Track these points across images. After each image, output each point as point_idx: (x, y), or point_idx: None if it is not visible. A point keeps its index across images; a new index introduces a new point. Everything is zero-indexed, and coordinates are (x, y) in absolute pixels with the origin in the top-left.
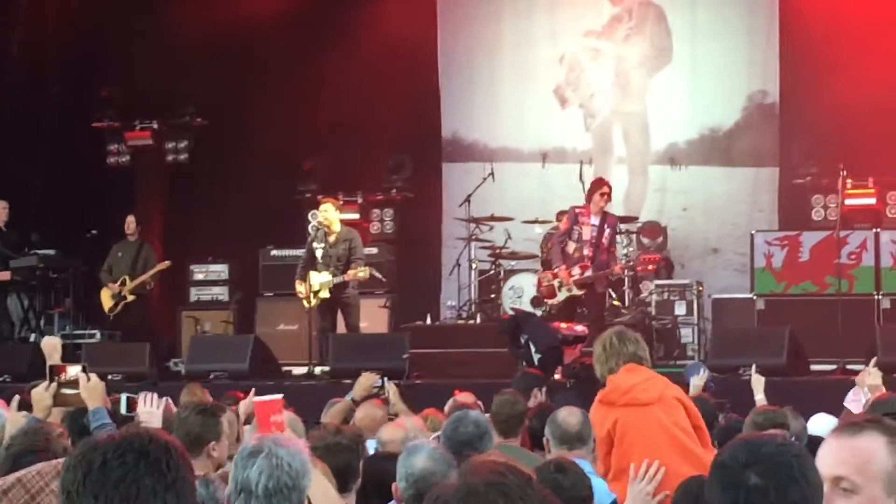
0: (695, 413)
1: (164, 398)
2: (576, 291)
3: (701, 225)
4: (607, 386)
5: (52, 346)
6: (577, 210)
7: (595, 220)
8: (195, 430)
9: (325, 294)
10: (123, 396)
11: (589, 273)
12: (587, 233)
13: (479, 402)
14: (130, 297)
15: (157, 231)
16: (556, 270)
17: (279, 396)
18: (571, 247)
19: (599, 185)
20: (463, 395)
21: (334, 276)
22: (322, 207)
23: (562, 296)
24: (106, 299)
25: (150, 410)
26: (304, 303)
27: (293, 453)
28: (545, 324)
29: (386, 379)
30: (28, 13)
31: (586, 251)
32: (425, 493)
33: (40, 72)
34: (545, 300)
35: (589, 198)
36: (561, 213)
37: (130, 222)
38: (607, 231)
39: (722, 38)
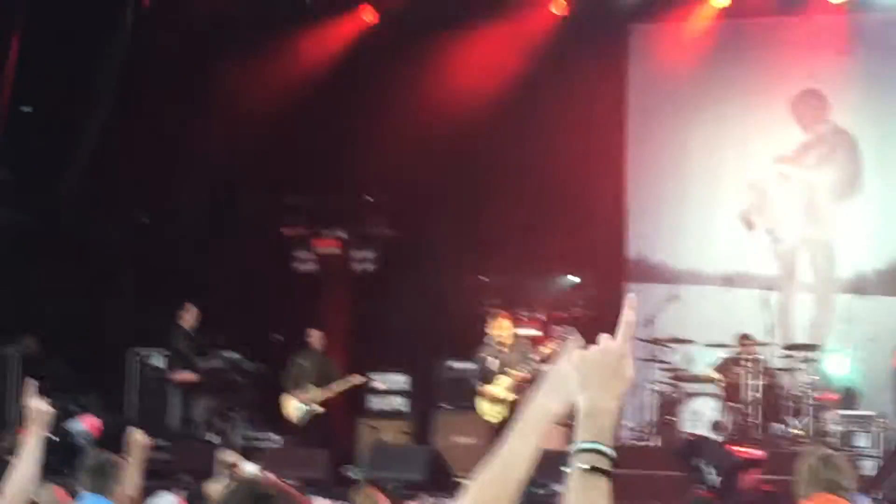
0: None
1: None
2: None
3: (886, 356)
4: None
5: (137, 442)
6: None
7: None
8: None
9: (512, 396)
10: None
11: None
12: None
13: None
14: (320, 410)
15: (340, 339)
16: None
17: None
18: None
19: None
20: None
21: None
22: (499, 323)
23: None
24: (290, 409)
25: None
26: (490, 415)
27: None
28: (723, 448)
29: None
30: (224, 114)
31: None
32: None
33: (232, 174)
34: None
35: None
36: (744, 338)
37: (318, 336)
38: None
39: None
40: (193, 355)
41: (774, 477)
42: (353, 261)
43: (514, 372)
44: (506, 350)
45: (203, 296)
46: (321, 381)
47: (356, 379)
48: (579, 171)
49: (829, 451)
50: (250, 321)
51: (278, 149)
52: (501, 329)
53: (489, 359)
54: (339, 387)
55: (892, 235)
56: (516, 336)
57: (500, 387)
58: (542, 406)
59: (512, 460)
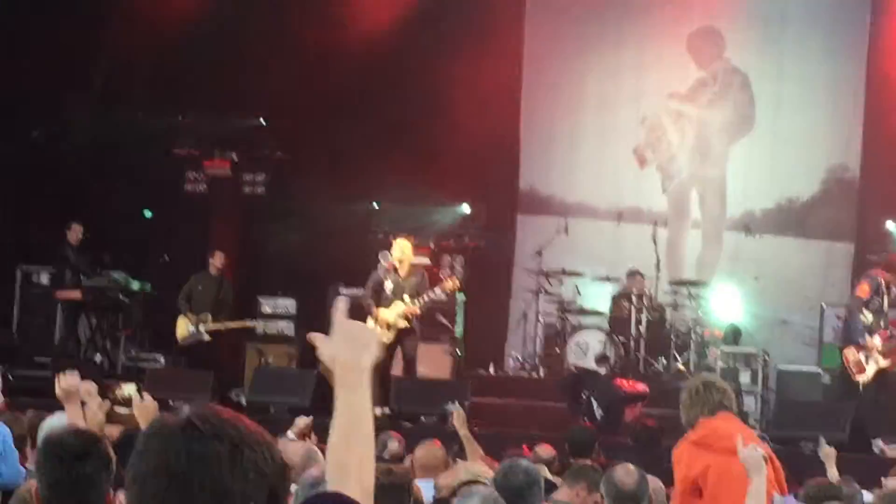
0: (780, 471)
1: None
2: (883, 363)
3: (772, 295)
4: (700, 429)
5: (76, 383)
6: (881, 278)
7: None
8: None
9: (403, 324)
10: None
11: None
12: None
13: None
14: (206, 338)
15: (231, 261)
16: (862, 343)
17: None
18: (869, 317)
19: None
20: (543, 448)
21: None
22: (400, 243)
23: (870, 369)
24: (182, 328)
25: None
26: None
27: None
28: (608, 381)
29: (455, 402)
30: (114, 35)
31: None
32: None
33: (124, 95)
34: (856, 376)
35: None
36: (634, 274)
37: (221, 257)
38: None
39: (806, 110)
40: (79, 273)
41: (657, 410)
42: (244, 183)
43: (407, 301)
44: (401, 275)
45: (90, 214)
46: (217, 307)
47: (249, 323)
48: (475, 100)
49: (711, 376)
50: (138, 241)
51: (172, 67)
52: (402, 251)
53: (386, 282)
54: (230, 325)
55: (781, 176)
56: (413, 265)
57: (393, 312)
58: (355, 362)
59: (359, 417)
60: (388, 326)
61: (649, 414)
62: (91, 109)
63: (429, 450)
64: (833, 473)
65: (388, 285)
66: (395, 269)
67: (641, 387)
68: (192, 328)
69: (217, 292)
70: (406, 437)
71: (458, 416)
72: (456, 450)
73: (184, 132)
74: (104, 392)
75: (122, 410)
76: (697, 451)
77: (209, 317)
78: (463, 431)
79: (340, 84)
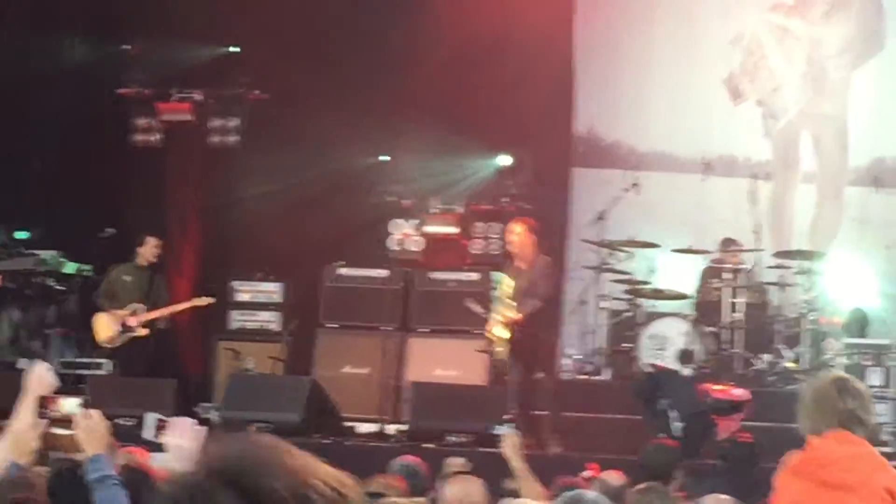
0: None
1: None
2: None
3: None
4: (805, 450)
5: (39, 379)
6: None
7: None
8: None
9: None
10: (151, 416)
11: None
12: None
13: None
14: (142, 332)
15: (192, 233)
16: None
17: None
18: None
19: None
20: (611, 474)
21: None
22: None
23: None
24: (104, 327)
25: (181, 443)
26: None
27: None
28: (692, 385)
29: (506, 424)
30: None
31: None
32: None
33: (52, 19)
34: None
35: None
36: (727, 244)
37: (156, 245)
38: None
39: None
40: None
41: (760, 423)
42: (211, 131)
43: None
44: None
45: (8, 172)
46: (147, 303)
47: (201, 300)
48: (513, 16)
49: (846, 375)
50: (72, 210)
51: None
52: (518, 235)
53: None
54: (174, 308)
55: None
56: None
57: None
58: None
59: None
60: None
61: (746, 427)
62: (7, 37)
63: (464, 487)
64: None
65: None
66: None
67: (739, 392)
68: (117, 326)
69: (147, 288)
70: (428, 463)
71: (509, 441)
72: (501, 486)
73: (132, 65)
74: (40, 409)
75: (60, 432)
76: (790, 479)
77: (141, 307)
78: (516, 462)
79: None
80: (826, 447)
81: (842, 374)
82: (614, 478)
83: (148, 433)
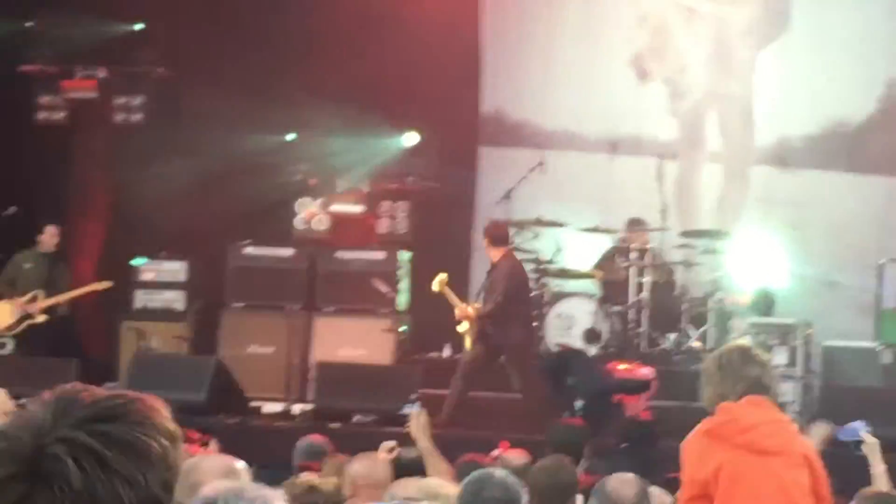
0: (823, 479)
1: None
2: None
3: (815, 248)
4: (719, 415)
5: None
6: None
7: None
8: None
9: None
10: None
11: None
12: None
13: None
14: (41, 318)
15: (97, 212)
16: None
17: None
18: None
19: None
20: (513, 453)
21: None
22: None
23: None
24: (3, 314)
25: None
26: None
27: None
28: (597, 365)
29: (416, 403)
30: None
31: None
32: None
33: None
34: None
35: None
36: (634, 223)
37: (54, 234)
38: None
39: (858, 2)
40: None
41: (667, 402)
42: (116, 109)
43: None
44: None
45: None
46: (47, 289)
47: (98, 285)
48: (420, 9)
49: (750, 344)
50: None
51: None
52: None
53: None
54: (73, 294)
55: (826, 92)
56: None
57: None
58: None
59: None
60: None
61: (653, 407)
62: None
63: (370, 464)
64: (880, 471)
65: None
66: None
67: (644, 371)
68: (18, 311)
69: (48, 275)
70: (334, 443)
71: (416, 420)
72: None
73: (34, 42)
74: None
75: None
76: (710, 443)
77: (41, 293)
78: (423, 442)
79: None
80: (743, 411)
81: (745, 343)
82: (516, 456)
83: None
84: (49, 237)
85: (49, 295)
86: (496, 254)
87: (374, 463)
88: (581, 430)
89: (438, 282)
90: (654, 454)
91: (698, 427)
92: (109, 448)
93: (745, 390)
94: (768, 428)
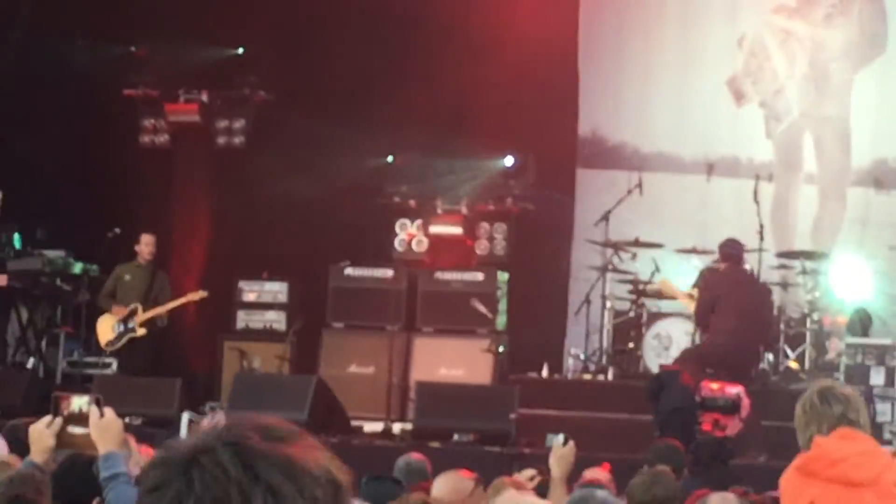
0: None
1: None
2: None
3: None
4: (811, 450)
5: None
6: None
7: None
8: None
9: None
10: (185, 416)
11: None
12: None
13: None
14: (141, 332)
15: (201, 234)
16: None
17: None
18: None
19: None
20: (594, 472)
21: None
22: None
23: None
24: (105, 329)
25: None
26: None
27: None
28: (689, 385)
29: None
30: None
31: None
32: None
33: (59, 22)
34: None
35: None
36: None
37: (149, 243)
38: None
39: None
40: (2, 253)
41: (765, 422)
42: (217, 132)
43: None
44: None
45: (16, 174)
46: (147, 302)
47: (195, 295)
48: (519, 18)
49: (830, 383)
50: (80, 210)
51: None
52: None
53: None
54: (169, 306)
55: None
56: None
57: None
58: None
59: None
60: None
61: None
62: (16, 40)
63: (453, 481)
64: None
65: None
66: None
67: (732, 390)
68: (119, 326)
69: (148, 286)
70: (432, 462)
71: (558, 452)
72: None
73: (138, 67)
74: (55, 408)
75: (75, 430)
76: (802, 479)
77: (139, 307)
78: (557, 472)
79: (341, 1)
80: (833, 445)
81: (826, 382)
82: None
83: (182, 432)
84: (145, 246)
85: (148, 308)
86: (722, 267)
87: (460, 481)
88: (680, 452)
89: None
90: (721, 474)
91: (792, 463)
92: (257, 458)
93: (831, 428)
94: (858, 459)
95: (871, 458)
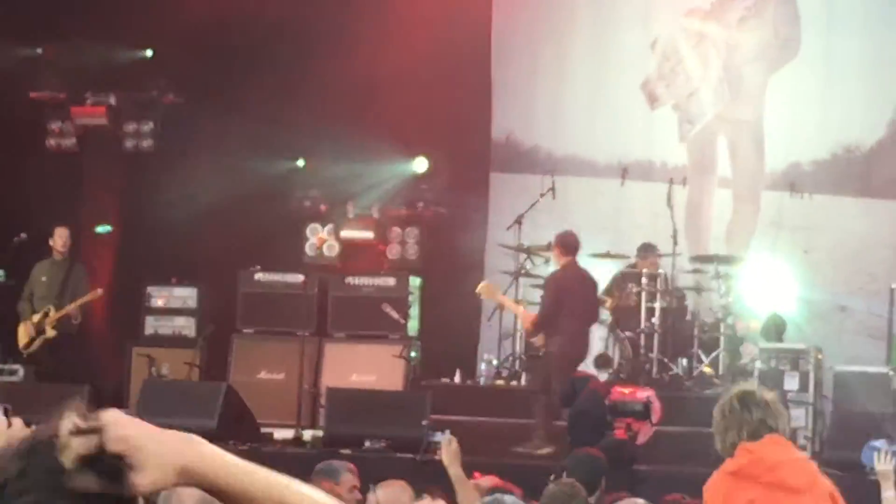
0: None
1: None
2: None
3: (826, 273)
4: (741, 455)
5: None
6: None
7: None
8: None
9: None
10: None
11: None
12: None
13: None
14: (51, 333)
15: (109, 239)
16: None
17: None
18: None
19: None
20: (485, 479)
21: None
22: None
23: None
24: (22, 333)
25: None
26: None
27: None
28: (599, 390)
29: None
30: None
31: None
32: None
33: None
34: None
35: None
36: (644, 249)
37: (63, 235)
38: None
39: (867, 29)
40: None
41: (678, 428)
42: (125, 135)
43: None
44: None
45: None
46: (65, 297)
47: (92, 294)
48: (431, 21)
49: (748, 387)
50: None
51: None
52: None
53: None
54: (71, 305)
55: (836, 117)
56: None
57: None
58: None
59: None
60: None
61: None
62: None
63: (392, 492)
64: (889, 496)
65: None
66: None
67: (642, 395)
68: (33, 329)
69: (64, 282)
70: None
71: (448, 448)
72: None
73: (45, 69)
74: None
75: None
76: (737, 483)
77: (51, 308)
78: (454, 470)
79: (252, 2)
80: (766, 451)
81: (746, 387)
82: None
83: None
84: (59, 238)
85: (63, 304)
86: (562, 262)
87: (396, 491)
88: (601, 460)
89: (484, 287)
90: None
91: (721, 468)
92: None
93: (751, 434)
94: (793, 466)
95: (805, 466)
